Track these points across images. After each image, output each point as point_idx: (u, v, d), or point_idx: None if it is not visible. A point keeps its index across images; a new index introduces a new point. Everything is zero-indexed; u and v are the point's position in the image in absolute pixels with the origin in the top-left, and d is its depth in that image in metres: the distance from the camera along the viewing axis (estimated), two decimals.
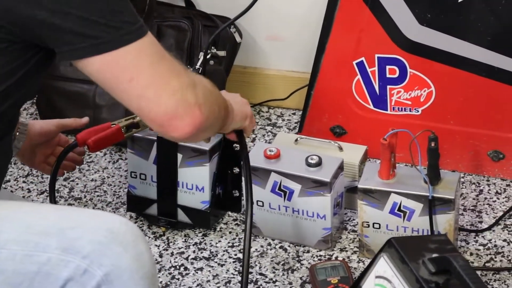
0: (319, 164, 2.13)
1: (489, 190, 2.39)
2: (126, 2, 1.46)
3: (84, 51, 1.39)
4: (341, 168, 2.16)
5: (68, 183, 2.46)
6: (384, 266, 1.66)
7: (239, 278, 2.10)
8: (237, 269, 2.14)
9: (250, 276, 2.10)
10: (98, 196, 2.40)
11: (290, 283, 2.09)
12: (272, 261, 2.11)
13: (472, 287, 1.48)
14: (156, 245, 2.23)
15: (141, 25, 1.46)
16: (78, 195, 2.42)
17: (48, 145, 2.01)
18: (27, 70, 1.48)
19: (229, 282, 2.11)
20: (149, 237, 2.26)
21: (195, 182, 2.20)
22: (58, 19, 1.37)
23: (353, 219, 2.26)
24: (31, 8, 1.38)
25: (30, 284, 1.33)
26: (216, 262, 2.17)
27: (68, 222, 1.38)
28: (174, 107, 1.44)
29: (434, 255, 1.61)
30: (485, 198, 2.35)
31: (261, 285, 2.09)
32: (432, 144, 2.01)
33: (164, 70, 1.46)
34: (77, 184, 2.44)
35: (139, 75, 1.42)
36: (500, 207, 2.32)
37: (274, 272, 2.04)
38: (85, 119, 2.05)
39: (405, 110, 2.44)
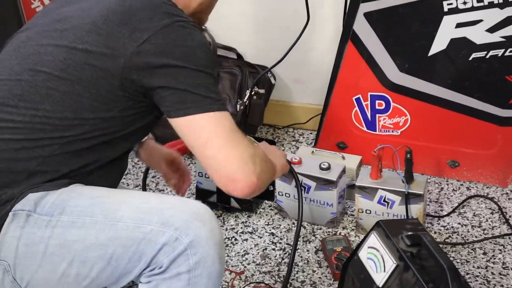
0: (328, 168, 2.13)
1: (448, 188, 2.38)
2: (215, 82, 1.44)
3: (174, 113, 1.38)
4: (343, 171, 2.17)
5: (155, 180, 2.48)
6: (374, 240, 1.67)
7: (272, 246, 2.12)
8: (271, 240, 2.15)
9: (279, 245, 2.13)
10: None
11: (308, 251, 2.09)
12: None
13: (437, 256, 1.48)
14: None
15: (223, 103, 1.42)
16: (161, 188, 2.44)
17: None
18: (149, 118, 1.50)
19: (266, 249, 2.11)
20: None
21: None
22: (167, 92, 1.38)
23: (352, 207, 2.26)
24: (152, 80, 1.39)
25: (137, 247, 1.34)
26: (256, 235, 2.18)
27: (165, 205, 1.38)
28: (237, 173, 1.37)
29: (409, 233, 1.61)
30: (445, 194, 2.35)
31: (288, 251, 2.09)
32: (408, 156, 2.02)
33: (234, 141, 1.39)
34: (161, 180, 2.46)
35: (214, 139, 1.37)
36: (456, 200, 2.31)
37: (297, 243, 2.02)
38: None
39: (388, 131, 2.43)
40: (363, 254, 1.67)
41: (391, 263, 1.58)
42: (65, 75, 1.39)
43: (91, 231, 1.35)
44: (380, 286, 1.57)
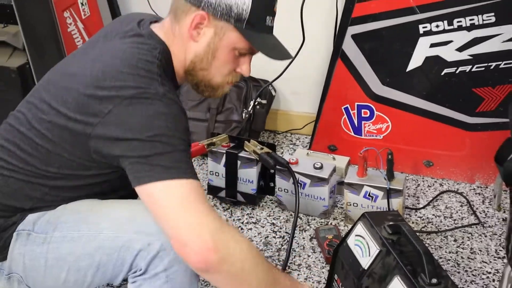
0: (321, 168, 2.13)
1: (423, 184, 2.38)
2: (177, 149, 1.27)
3: (133, 182, 1.27)
4: (334, 170, 2.16)
5: None
6: (360, 229, 1.64)
7: (273, 234, 2.11)
8: (272, 229, 2.13)
9: (279, 233, 2.12)
10: None
11: (303, 238, 2.09)
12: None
13: (414, 242, 1.45)
14: (224, 215, 2.22)
15: (181, 170, 1.25)
16: None
17: None
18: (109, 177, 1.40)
19: (267, 237, 2.10)
20: (219, 209, 2.25)
21: (248, 177, 2.19)
22: (126, 162, 1.28)
23: (341, 201, 2.25)
24: (111, 150, 1.29)
25: (118, 254, 1.33)
26: (259, 225, 2.17)
27: (139, 213, 1.33)
28: (187, 237, 1.22)
29: (390, 223, 1.59)
30: (421, 189, 2.35)
31: (286, 239, 2.09)
32: (389, 157, 2.01)
33: (187, 208, 1.23)
34: None
35: (165, 207, 1.24)
36: (430, 194, 2.31)
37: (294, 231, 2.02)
38: None
39: (373, 136, 2.43)
40: (351, 241, 1.66)
41: (375, 249, 1.56)
42: (50, 136, 1.35)
43: (79, 244, 1.34)
44: (366, 268, 1.56)
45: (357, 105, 2.40)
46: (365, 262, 1.58)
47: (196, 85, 1.49)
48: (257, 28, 1.40)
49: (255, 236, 2.11)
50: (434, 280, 1.41)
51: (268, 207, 2.27)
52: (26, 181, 1.39)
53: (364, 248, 1.61)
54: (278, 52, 1.46)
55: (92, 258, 1.35)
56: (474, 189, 2.33)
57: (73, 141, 1.33)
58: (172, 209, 1.24)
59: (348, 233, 1.70)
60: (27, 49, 2.27)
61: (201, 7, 1.37)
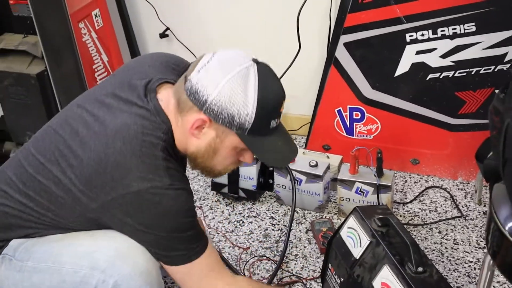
0: (316, 165, 2.12)
1: (410, 180, 2.37)
2: (185, 239, 1.28)
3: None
4: (328, 168, 2.15)
5: None
6: (352, 221, 1.65)
7: (272, 227, 2.10)
8: (271, 222, 2.13)
9: (277, 226, 2.11)
10: (196, 182, 2.37)
11: (300, 231, 2.08)
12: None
13: (402, 234, 1.47)
14: (227, 209, 2.21)
15: (190, 254, 1.29)
16: None
17: None
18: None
19: (267, 229, 2.09)
20: (222, 204, 2.23)
21: (249, 175, 2.18)
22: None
23: (334, 196, 2.23)
24: (118, 228, 1.28)
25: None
26: (259, 218, 2.16)
27: (94, 247, 1.29)
28: None
29: (380, 216, 1.60)
30: (408, 185, 2.34)
31: (284, 231, 2.08)
32: (379, 155, 2.01)
33: (213, 278, 1.32)
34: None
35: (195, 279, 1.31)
36: (417, 190, 2.30)
37: (291, 224, 2.02)
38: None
39: (363, 136, 2.41)
40: (343, 233, 1.67)
41: (366, 240, 1.57)
42: (54, 189, 1.29)
43: (46, 276, 1.31)
44: (357, 258, 1.57)
45: (349, 107, 2.39)
46: (356, 252, 1.59)
47: (197, 169, 1.41)
48: (260, 133, 1.29)
49: (255, 229, 2.10)
50: (420, 269, 1.42)
51: (267, 202, 2.26)
52: (19, 217, 1.35)
53: (356, 239, 1.62)
54: (278, 157, 1.34)
55: None
56: (457, 185, 2.32)
57: (74, 206, 1.28)
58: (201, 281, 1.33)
59: (341, 226, 1.70)
60: (46, 58, 2.27)
61: (203, 110, 1.26)
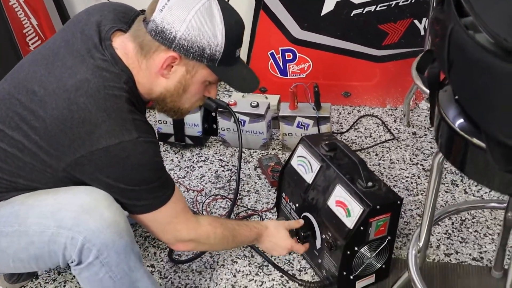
0: (257, 106, 2.15)
1: (344, 112, 2.43)
2: (153, 188, 1.28)
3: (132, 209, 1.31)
4: (268, 107, 2.18)
5: None
6: (301, 150, 1.69)
7: (222, 169, 2.12)
8: (220, 164, 2.15)
9: (226, 167, 2.14)
10: None
11: (249, 169, 2.12)
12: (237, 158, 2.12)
13: (350, 155, 1.53)
14: (176, 157, 2.21)
15: (159, 201, 1.31)
16: None
17: None
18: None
19: (217, 171, 2.12)
20: (171, 153, 2.23)
21: (193, 122, 2.17)
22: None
23: (277, 133, 2.28)
24: (90, 182, 1.26)
25: (48, 248, 1.25)
26: (208, 162, 2.18)
27: (58, 205, 1.25)
28: (173, 241, 1.39)
29: (327, 142, 1.65)
30: (343, 116, 2.40)
31: (234, 171, 2.11)
32: (316, 89, 2.03)
33: (177, 224, 1.36)
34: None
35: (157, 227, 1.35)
36: (351, 120, 2.36)
37: (240, 163, 2.05)
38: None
39: (297, 75, 2.44)
40: (294, 162, 1.70)
41: (316, 165, 1.61)
42: (20, 155, 1.25)
43: (14, 239, 1.26)
44: (310, 183, 1.61)
45: (281, 49, 2.40)
46: (309, 177, 1.63)
47: (164, 111, 1.40)
48: (228, 63, 1.29)
49: (206, 172, 2.12)
50: (370, 183, 1.49)
51: (213, 146, 2.27)
52: None
53: (307, 166, 1.65)
54: (246, 84, 1.36)
55: (28, 252, 1.27)
56: (386, 111, 2.40)
57: (43, 166, 1.25)
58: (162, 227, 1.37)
59: (290, 156, 1.73)
60: None
61: (172, 48, 1.24)
